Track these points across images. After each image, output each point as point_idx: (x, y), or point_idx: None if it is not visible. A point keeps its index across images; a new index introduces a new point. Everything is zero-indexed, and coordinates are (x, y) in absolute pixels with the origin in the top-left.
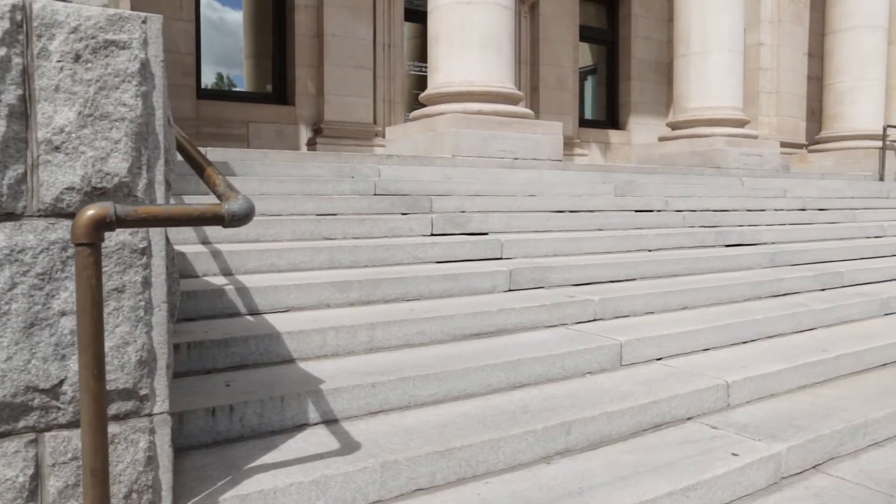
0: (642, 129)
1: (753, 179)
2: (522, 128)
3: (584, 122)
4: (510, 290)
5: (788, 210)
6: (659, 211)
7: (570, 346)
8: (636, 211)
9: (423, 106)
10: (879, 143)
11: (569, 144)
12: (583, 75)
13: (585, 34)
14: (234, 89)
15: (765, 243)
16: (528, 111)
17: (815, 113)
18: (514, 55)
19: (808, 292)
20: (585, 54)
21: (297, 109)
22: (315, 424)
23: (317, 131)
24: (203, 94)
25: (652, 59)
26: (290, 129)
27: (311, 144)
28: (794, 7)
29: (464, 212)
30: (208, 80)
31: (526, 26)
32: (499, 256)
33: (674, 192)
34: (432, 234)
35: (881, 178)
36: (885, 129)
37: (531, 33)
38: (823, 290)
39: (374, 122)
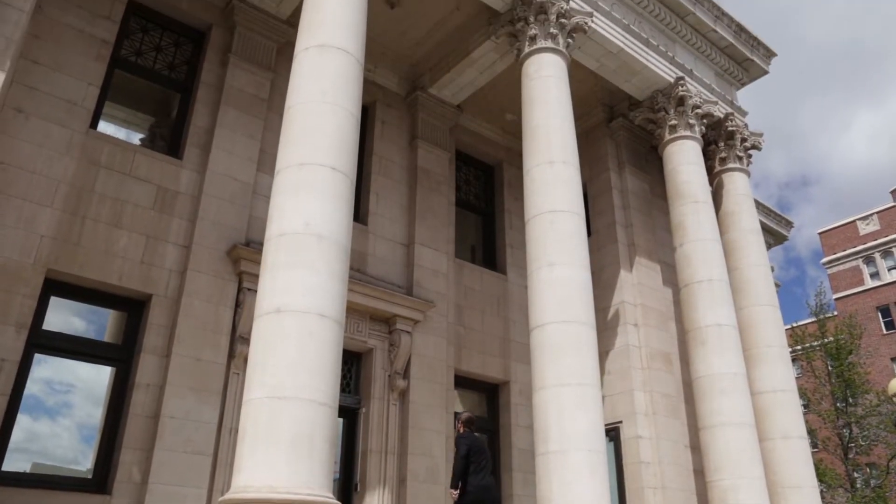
0: None
1: None
2: None
3: None
4: None
5: None
6: None
7: None
8: None
9: None
10: None
11: None
12: None
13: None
14: (40, 473)
15: None
16: None
17: None
18: (333, 455)
19: None
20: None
21: (112, 499)
22: None
23: None
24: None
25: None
26: None
27: None
28: (667, 401)
29: None
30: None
31: (395, 414)
32: None
33: None
34: None
35: None
36: None
37: (401, 421)
38: None
39: None
